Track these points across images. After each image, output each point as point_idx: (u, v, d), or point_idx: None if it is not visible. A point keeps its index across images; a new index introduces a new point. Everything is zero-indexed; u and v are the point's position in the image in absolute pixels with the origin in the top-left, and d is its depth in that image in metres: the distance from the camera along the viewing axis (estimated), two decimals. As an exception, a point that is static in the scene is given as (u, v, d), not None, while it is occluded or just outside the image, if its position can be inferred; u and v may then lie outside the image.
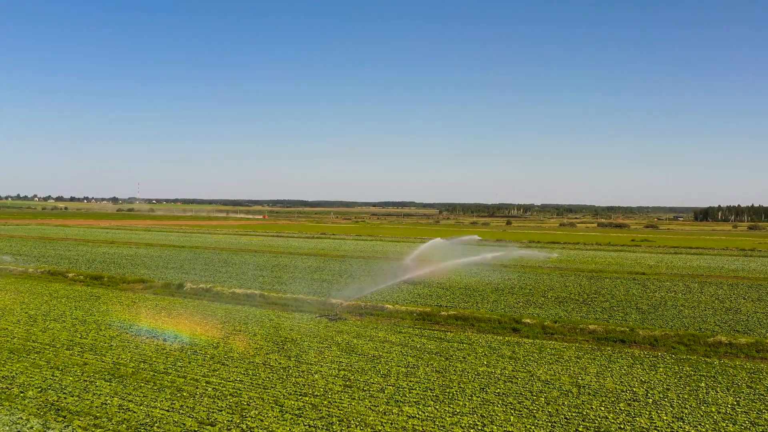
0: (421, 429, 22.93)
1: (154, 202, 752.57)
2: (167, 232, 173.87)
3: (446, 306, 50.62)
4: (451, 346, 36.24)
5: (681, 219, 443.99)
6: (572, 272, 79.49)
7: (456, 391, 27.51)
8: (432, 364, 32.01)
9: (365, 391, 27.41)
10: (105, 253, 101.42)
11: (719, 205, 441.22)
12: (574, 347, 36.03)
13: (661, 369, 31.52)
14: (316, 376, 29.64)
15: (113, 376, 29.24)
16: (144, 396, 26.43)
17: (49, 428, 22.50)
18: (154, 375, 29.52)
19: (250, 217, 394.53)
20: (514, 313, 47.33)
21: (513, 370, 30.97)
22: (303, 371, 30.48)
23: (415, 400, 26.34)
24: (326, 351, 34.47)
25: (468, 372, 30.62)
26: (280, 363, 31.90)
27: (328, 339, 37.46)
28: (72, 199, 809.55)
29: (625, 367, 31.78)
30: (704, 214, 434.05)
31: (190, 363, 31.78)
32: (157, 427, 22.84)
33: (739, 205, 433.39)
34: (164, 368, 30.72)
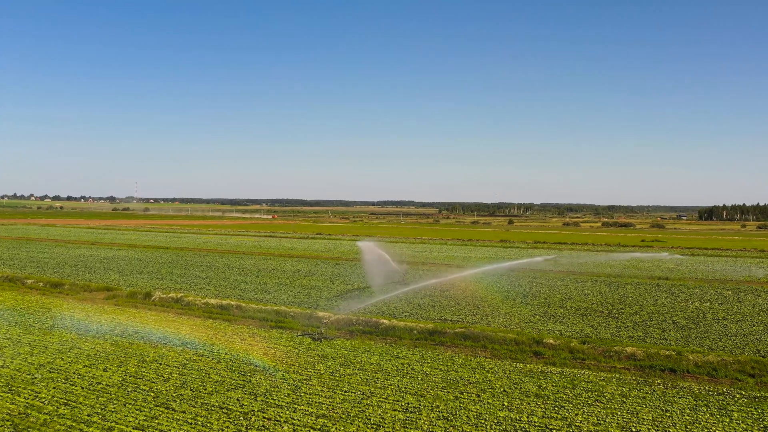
0: None
1: (151, 201, 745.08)
2: (156, 233, 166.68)
3: (452, 320, 43.49)
4: (461, 377, 29.10)
5: (685, 218, 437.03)
6: (588, 277, 72.34)
7: (472, 452, 20.38)
8: (437, 406, 24.86)
9: (349, 453, 20.30)
10: (81, 255, 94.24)
11: (724, 204, 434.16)
12: (614, 379, 28.88)
13: (735, 414, 24.36)
14: (286, 427, 22.48)
15: (15, 429, 22.08)
16: (43, 464, 19.30)
17: None
18: (70, 426, 22.35)
19: (247, 216, 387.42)
20: (532, 329, 40.18)
21: (543, 416, 23.82)
22: (269, 418, 23.33)
23: (416, 468, 19.22)
24: (304, 386, 27.32)
25: (485, 419, 23.46)
26: (241, 405, 24.73)
27: (308, 368, 30.30)
28: (69, 198, 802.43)
29: (687, 411, 24.61)
30: (709, 214, 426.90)
31: (125, 405, 24.61)
32: None
33: (744, 204, 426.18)
34: (88, 414, 23.55)
